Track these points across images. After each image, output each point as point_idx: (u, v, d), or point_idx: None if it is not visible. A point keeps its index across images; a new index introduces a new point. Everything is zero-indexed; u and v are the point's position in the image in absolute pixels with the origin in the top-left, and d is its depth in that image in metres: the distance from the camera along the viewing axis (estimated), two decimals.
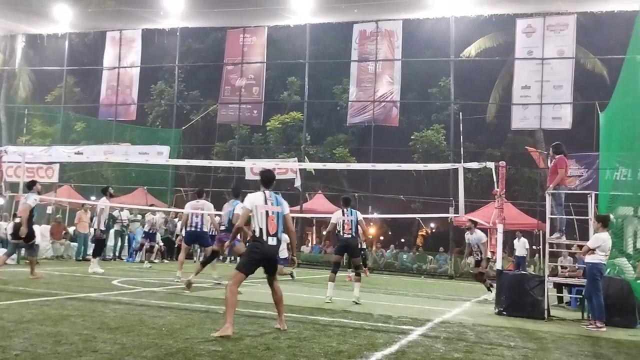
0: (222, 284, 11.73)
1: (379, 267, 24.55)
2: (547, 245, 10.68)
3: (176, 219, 22.78)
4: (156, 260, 20.58)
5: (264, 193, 6.86)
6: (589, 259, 9.45)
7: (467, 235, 14.05)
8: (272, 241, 6.70)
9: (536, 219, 22.24)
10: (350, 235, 10.87)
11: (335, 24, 27.19)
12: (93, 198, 24.04)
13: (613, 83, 16.59)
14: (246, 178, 25.21)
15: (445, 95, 27.04)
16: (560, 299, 12.95)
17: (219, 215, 12.81)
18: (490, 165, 11.41)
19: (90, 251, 18.71)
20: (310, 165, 22.77)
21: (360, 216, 11.20)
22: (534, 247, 22.95)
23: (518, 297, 10.22)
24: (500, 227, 10.94)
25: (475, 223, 14.20)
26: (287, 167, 24.49)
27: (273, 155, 28.12)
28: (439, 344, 6.77)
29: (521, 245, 21.01)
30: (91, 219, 18.77)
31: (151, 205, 22.98)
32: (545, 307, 10.05)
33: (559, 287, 12.73)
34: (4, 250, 14.42)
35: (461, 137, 21.25)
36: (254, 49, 27.34)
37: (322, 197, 25.94)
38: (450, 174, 21.47)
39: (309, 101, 27.46)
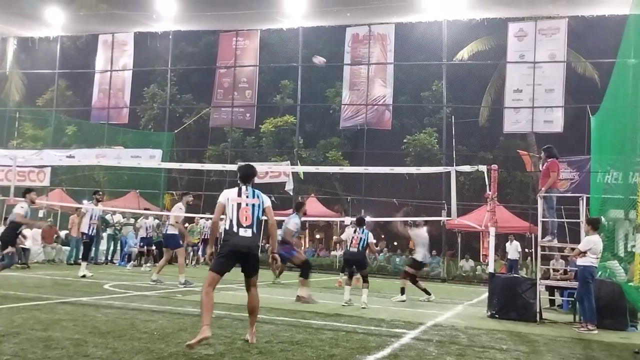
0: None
1: (372, 270, 24.51)
2: (539, 248, 10.72)
3: (189, 225, 22.77)
4: (149, 264, 20.51)
5: (240, 187, 6.44)
6: (580, 261, 9.49)
7: (410, 230, 14.20)
8: (244, 232, 6.10)
9: (528, 222, 22.29)
10: (356, 249, 11.33)
11: (328, 28, 27.19)
12: (85, 202, 23.94)
13: (604, 86, 16.68)
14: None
15: (437, 99, 27.10)
16: (552, 302, 12.98)
17: None
18: (483, 168, 11.46)
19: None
20: (303, 169, 22.73)
21: (372, 238, 11.86)
22: (526, 250, 23.02)
23: (510, 300, 10.25)
24: (492, 230, 10.98)
25: (426, 222, 14.23)
26: (280, 171, 24.46)
27: (266, 159, 28.08)
28: (432, 347, 6.78)
29: (513, 249, 21.07)
30: None
31: (146, 209, 22.94)
32: (537, 309, 10.09)
33: (550, 289, 12.77)
34: None
35: (453, 140, 21.26)
36: (247, 52, 27.30)
37: (315, 200, 25.92)
38: (443, 177, 21.49)
39: (301, 104, 27.44)
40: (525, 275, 17.38)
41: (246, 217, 6.18)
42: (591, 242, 9.39)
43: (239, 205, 6.23)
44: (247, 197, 6.33)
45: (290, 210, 21.39)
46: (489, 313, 10.42)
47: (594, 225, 9.63)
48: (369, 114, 25.24)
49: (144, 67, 29.89)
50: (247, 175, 6.60)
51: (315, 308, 9.97)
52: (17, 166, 19.95)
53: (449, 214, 14.72)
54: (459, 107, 26.26)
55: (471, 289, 19.19)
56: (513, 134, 25.66)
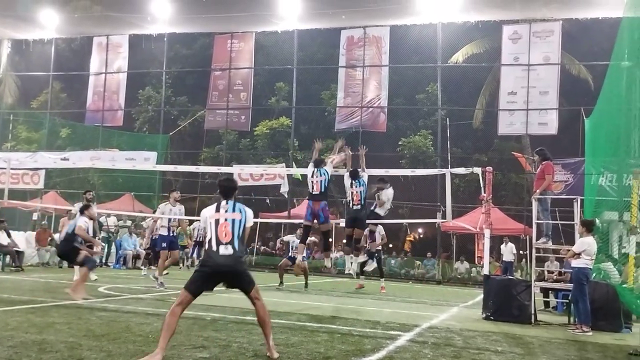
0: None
1: (367, 272, 24.53)
2: (533, 250, 10.75)
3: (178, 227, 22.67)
4: (143, 267, 20.47)
5: (219, 203, 5.95)
6: (574, 263, 9.53)
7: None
8: (225, 250, 5.60)
9: (523, 223, 22.35)
10: (359, 206, 11.09)
11: (323, 30, 27.20)
12: (76, 204, 23.86)
13: (598, 89, 16.75)
14: None
15: (432, 101, 27.16)
16: (547, 304, 13.01)
17: None
18: (477, 170, 11.48)
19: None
20: (298, 171, 22.72)
21: (366, 177, 11.75)
22: (520, 252, 23.08)
23: (505, 302, 10.27)
24: (487, 232, 11.01)
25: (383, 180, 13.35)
26: (275, 173, 24.45)
27: (261, 161, 28.10)
28: (427, 349, 6.79)
29: (508, 251, 21.12)
30: None
31: (140, 212, 22.89)
32: (532, 311, 10.11)
33: (545, 291, 12.80)
34: None
35: (448, 142, 21.34)
36: (242, 55, 27.29)
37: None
38: (438, 179, 21.54)
39: (297, 107, 27.44)
40: (520, 277, 17.42)
41: (225, 233, 5.68)
42: (585, 243, 9.42)
43: (217, 221, 5.75)
44: (225, 211, 5.82)
45: (285, 213, 21.44)
46: (484, 315, 10.43)
47: (588, 227, 9.67)
48: (364, 116, 25.27)
49: (139, 70, 29.84)
50: (227, 190, 6.04)
51: (311, 310, 9.97)
52: (11, 169, 19.85)
53: (444, 216, 14.74)
54: (453, 110, 26.33)
55: (466, 291, 19.21)
56: (508, 136, 25.73)
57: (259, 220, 23.30)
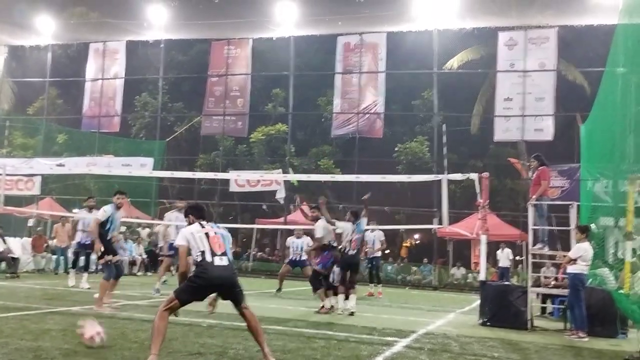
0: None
1: (363, 278, 24.50)
2: (530, 256, 10.76)
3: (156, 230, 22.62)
4: (139, 273, 20.44)
5: (199, 223, 5.88)
6: (570, 269, 9.54)
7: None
8: (220, 261, 5.55)
9: (519, 229, 22.38)
10: (355, 251, 10.89)
11: (320, 36, 27.27)
12: (75, 210, 23.79)
13: (593, 95, 16.80)
14: (230, 190, 25.10)
15: (428, 107, 27.22)
16: (543, 310, 13.01)
17: None
18: (474, 176, 11.49)
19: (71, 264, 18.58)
20: (294, 177, 22.75)
21: (364, 222, 11.36)
22: (517, 257, 23.09)
23: (501, 307, 10.28)
24: (483, 238, 11.02)
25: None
26: (272, 179, 24.45)
27: (257, 167, 28.08)
28: (424, 355, 6.78)
29: (505, 256, 21.12)
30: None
31: (136, 218, 22.85)
32: (529, 317, 10.11)
33: (542, 297, 12.80)
34: None
35: (444, 148, 21.34)
36: (239, 61, 27.32)
37: (306, 208, 25.84)
38: (434, 185, 21.53)
39: (293, 113, 27.48)
40: (517, 283, 17.42)
41: (219, 245, 5.66)
42: (582, 249, 9.44)
43: (207, 234, 5.69)
44: (211, 227, 5.83)
45: (282, 219, 21.44)
46: (481, 321, 10.43)
47: (585, 232, 9.69)
48: (361, 123, 25.31)
49: (136, 76, 29.85)
50: (203, 211, 6.21)
51: (308, 317, 9.95)
52: (7, 175, 19.81)
53: (440, 222, 14.75)
54: (449, 116, 26.36)
55: (462, 296, 19.21)
56: (504, 142, 25.77)
57: (255, 226, 23.37)
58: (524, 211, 19.37)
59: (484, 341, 8.28)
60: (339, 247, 10.83)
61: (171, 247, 14.02)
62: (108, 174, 22.22)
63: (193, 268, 5.75)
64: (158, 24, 26.49)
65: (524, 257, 21.62)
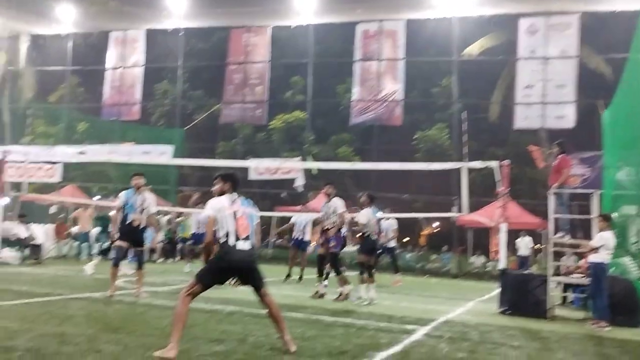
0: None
1: (383, 266, 24.52)
2: (550, 245, 10.67)
3: (179, 219, 22.80)
4: (159, 260, 20.63)
5: (228, 196, 5.79)
6: (592, 258, 9.46)
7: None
8: (243, 245, 5.54)
9: (539, 218, 22.20)
10: (376, 237, 10.91)
11: (339, 24, 27.15)
12: (96, 198, 24.09)
13: (616, 81, 16.54)
14: (249, 178, 25.19)
15: (448, 95, 27.02)
16: (564, 299, 12.92)
17: None
18: (494, 164, 11.39)
19: (94, 251, 18.86)
20: (313, 165, 22.75)
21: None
22: (537, 246, 22.92)
23: (522, 296, 10.22)
24: (503, 227, 10.94)
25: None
26: (291, 167, 24.47)
27: (276, 155, 28.11)
28: (443, 343, 6.77)
29: (524, 245, 21.00)
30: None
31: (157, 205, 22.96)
32: (549, 306, 10.04)
33: (563, 286, 12.71)
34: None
35: (464, 136, 21.20)
36: (258, 49, 27.32)
37: (325, 196, 25.88)
38: (453, 173, 21.42)
39: (312, 101, 27.46)
40: (537, 272, 17.30)
41: (244, 228, 5.60)
42: (604, 238, 9.34)
43: (234, 214, 5.62)
44: (240, 205, 5.73)
45: (300, 207, 21.42)
46: (501, 310, 10.39)
47: (608, 220, 9.59)
48: (380, 110, 25.21)
49: (155, 64, 29.97)
50: (237, 182, 5.96)
51: (327, 305, 9.99)
52: (29, 162, 20.10)
53: (459, 210, 14.68)
54: (469, 103, 26.14)
55: (482, 285, 19.12)
56: (524, 130, 25.50)
57: (274, 213, 23.41)
58: (544, 199, 19.16)
59: (504, 330, 8.25)
60: (365, 233, 10.75)
61: (195, 236, 14.21)
62: (128, 162, 22.38)
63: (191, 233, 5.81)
64: (177, 12, 26.53)
65: (544, 246, 21.47)
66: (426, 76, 28.35)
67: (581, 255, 14.07)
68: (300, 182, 24.81)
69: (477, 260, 24.14)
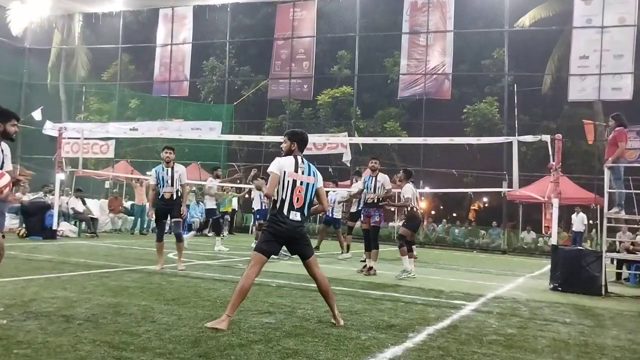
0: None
1: (431, 241, 24.46)
2: (605, 220, 10.40)
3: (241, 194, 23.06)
4: (210, 234, 21.02)
5: (296, 158, 5.67)
6: None
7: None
8: (294, 216, 5.53)
9: (593, 193, 21.66)
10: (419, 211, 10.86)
11: None
12: (148, 173, 24.62)
13: None
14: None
15: (498, 67, 26.42)
16: (619, 275, 12.63)
17: None
18: (546, 138, 11.12)
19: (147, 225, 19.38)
20: (361, 140, 22.69)
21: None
22: (590, 222, 22.40)
23: (574, 272, 10.01)
24: (555, 202, 10.71)
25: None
26: (338, 142, 24.46)
27: (323, 130, 28.12)
28: (492, 319, 6.72)
29: (579, 221, 20.57)
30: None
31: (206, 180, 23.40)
32: (603, 283, 9.82)
33: (618, 263, 12.40)
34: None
35: (515, 109, 20.74)
36: (304, 23, 27.24)
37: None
38: (504, 147, 21.04)
39: (359, 75, 27.28)
40: (590, 248, 16.92)
41: (298, 198, 5.55)
42: None
43: (294, 182, 5.56)
44: (302, 173, 5.63)
45: (348, 182, 21.43)
46: (552, 286, 10.21)
47: None
48: (428, 84, 24.87)
49: (203, 40, 30.23)
50: (305, 143, 5.88)
51: (374, 279, 10.02)
52: (84, 139, 20.67)
53: (510, 185, 14.41)
54: (521, 75, 25.49)
55: (532, 261, 18.85)
56: (578, 103, 24.76)
57: (350, 190, 23.59)
58: (598, 174, 18.69)
59: (555, 306, 8.12)
60: (413, 208, 10.68)
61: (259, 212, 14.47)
62: (179, 138, 22.80)
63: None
64: None
65: (597, 222, 20.97)
66: (476, 48, 27.71)
67: (636, 232, 13.69)
68: (348, 157, 24.80)
69: (527, 236, 23.78)
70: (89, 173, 23.19)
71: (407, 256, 10.31)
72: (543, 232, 23.64)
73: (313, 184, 5.70)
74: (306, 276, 5.93)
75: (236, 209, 24.40)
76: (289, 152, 5.76)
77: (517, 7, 25.16)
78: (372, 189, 10.95)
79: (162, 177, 9.58)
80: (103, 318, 5.38)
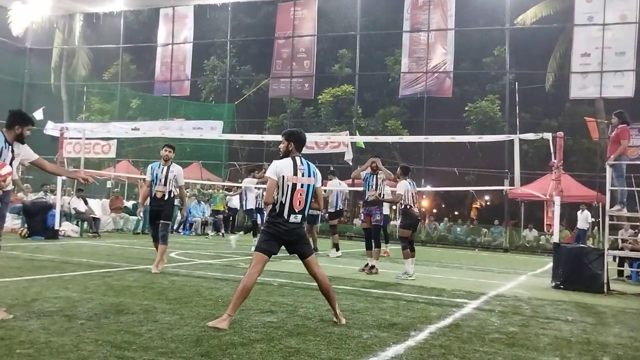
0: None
1: (433, 240, 24.45)
2: (607, 218, 10.39)
3: (231, 192, 23.15)
4: (211, 233, 21.05)
5: (294, 160, 5.61)
6: None
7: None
8: (294, 218, 5.51)
9: (595, 190, 21.64)
10: (417, 210, 10.64)
11: None
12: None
13: None
14: None
15: (500, 65, 26.40)
16: (620, 273, 12.61)
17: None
18: (548, 136, 11.11)
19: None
20: (362, 139, 22.67)
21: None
22: (592, 219, 22.39)
23: (576, 270, 10.00)
24: (557, 200, 10.69)
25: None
26: (339, 141, 24.45)
27: (325, 129, 28.12)
28: (494, 317, 6.72)
29: (583, 218, 20.54)
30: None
31: (207, 180, 23.49)
32: (605, 280, 9.81)
33: (620, 260, 12.39)
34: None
35: (517, 107, 20.72)
36: (305, 22, 27.23)
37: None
38: (506, 145, 21.02)
39: (360, 73, 27.27)
40: (592, 246, 16.90)
41: (299, 202, 5.52)
42: None
43: (294, 186, 5.51)
44: (302, 175, 5.57)
45: (350, 181, 21.46)
46: (554, 284, 10.20)
47: None
48: (429, 82, 24.86)
49: (204, 40, 30.24)
50: (302, 141, 5.75)
51: (376, 278, 10.01)
52: (86, 138, 20.70)
53: (511, 183, 14.41)
54: (522, 73, 25.46)
55: (534, 259, 18.84)
56: (580, 100, 24.75)
57: (325, 187, 23.59)
58: (600, 171, 18.66)
59: (557, 304, 8.11)
60: (407, 206, 10.51)
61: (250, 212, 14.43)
62: (180, 137, 22.82)
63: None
64: None
65: (599, 219, 20.96)
66: (477, 46, 27.69)
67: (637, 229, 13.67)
68: (349, 156, 24.80)
69: (529, 234, 23.76)
70: (90, 173, 23.20)
71: (409, 259, 10.25)
72: (545, 230, 23.66)
73: (313, 185, 5.65)
74: (307, 275, 5.92)
75: (237, 209, 24.39)
76: (286, 153, 5.72)
77: (518, 5, 25.14)
78: (374, 187, 10.93)
79: (157, 174, 9.28)
80: (105, 318, 5.39)
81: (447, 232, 25.10)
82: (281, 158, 5.70)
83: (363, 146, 23.33)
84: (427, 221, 26.19)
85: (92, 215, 17.88)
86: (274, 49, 27.89)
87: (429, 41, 24.95)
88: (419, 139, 20.99)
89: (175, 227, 21.17)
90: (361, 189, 11.81)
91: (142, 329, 4.98)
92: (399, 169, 10.82)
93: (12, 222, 15.96)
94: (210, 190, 22.93)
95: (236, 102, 28.90)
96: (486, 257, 18.56)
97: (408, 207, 10.25)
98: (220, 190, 22.76)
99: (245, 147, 29.72)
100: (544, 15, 25.83)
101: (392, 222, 24.27)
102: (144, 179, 20.54)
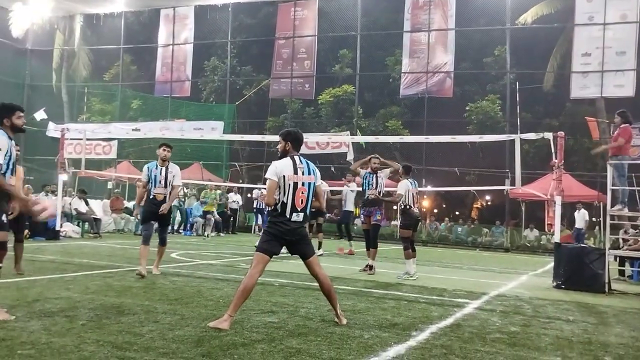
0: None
1: (433, 240, 24.45)
2: (608, 217, 10.38)
3: (231, 193, 23.22)
4: (212, 234, 21.04)
5: (293, 159, 5.62)
6: None
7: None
8: (296, 217, 5.52)
9: (596, 190, 21.62)
10: (417, 210, 10.60)
11: None
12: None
13: None
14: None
15: (500, 65, 26.38)
16: (621, 273, 12.61)
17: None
18: (548, 135, 11.10)
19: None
20: (363, 139, 22.66)
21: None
22: (593, 219, 22.36)
23: (577, 270, 10.00)
24: (558, 199, 10.69)
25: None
26: (340, 141, 24.45)
27: (325, 129, 28.10)
28: (495, 317, 6.71)
29: (580, 217, 20.51)
30: None
31: (208, 180, 23.50)
32: (606, 280, 9.80)
33: (620, 260, 12.38)
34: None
35: (517, 107, 20.71)
36: (305, 23, 27.23)
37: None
38: (506, 145, 21.02)
39: (361, 74, 27.26)
40: (593, 245, 16.89)
41: (302, 200, 5.54)
42: None
43: (295, 185, 5.52)
44: (302, 173, 5.58)
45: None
46: (555, 283, 10.20)
47: None
48: (430, 82, 24.85)
49: (204, 40, 30.24)
50: (299, 141, 5.78)
51: (377, 278, 10.01)
52: (87, 139, 20.70)
53: (512, 183, 14.40)
54: (523, 73, 25.44)
55: (535, 258, 18.83)
56: (581, 100, 24.74)
57: (325, 188, 23.60)
58: (601, 171, 18.66)
59: (558, 304, 8.11)
60: (407, 206, 10.47)
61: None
62: (181, 138, 22.81)
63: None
64: None
65: (600, 219, 20.94)
66: (478, 46, 27.67)
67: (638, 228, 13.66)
68: (351, 156, 24.79)
69: (530, 234, 23.75)
70: (91, 174, 23.25)
71: (411, 259, 10.23)
72: (546, 229, 23.63)
73: (314, 183, 5.68)
74: (309, 275, 5.92)
75: (238, 209, 24.44)
76: (284, 153, 5.73)
77: (518, 5, 25.12)
78: (374, 186, 10.92)
79: (155, 176, 8.94)
80: (106, 318, 5.39)
81: (448, 232, 25.10)
82: (279, 158, 5.71)
83: (364, 145, 23.33)
84: (428, 221, 26.20)
85: (93, 216, 17.89)
86: (274, 49, 27.88)
87: (430, 41, 24.94)
88: (419, 139, 20.98)
89: (175, 228, 21.19)
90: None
91: (143, 330, 4.98)
92: (401, 168, 10.81)
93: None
94: (205, 191, 22.88)
95: (237, 103, 28.88)
96: (487, 257, 18.55)
97: (408, 207, 10.25)
98: (214, 191, 22.68)
99: (246, 147, 29.70)
100: (544, 14, 25.79)
101: (393, 222, 24.39)
102: (139, 179, 20.59)
